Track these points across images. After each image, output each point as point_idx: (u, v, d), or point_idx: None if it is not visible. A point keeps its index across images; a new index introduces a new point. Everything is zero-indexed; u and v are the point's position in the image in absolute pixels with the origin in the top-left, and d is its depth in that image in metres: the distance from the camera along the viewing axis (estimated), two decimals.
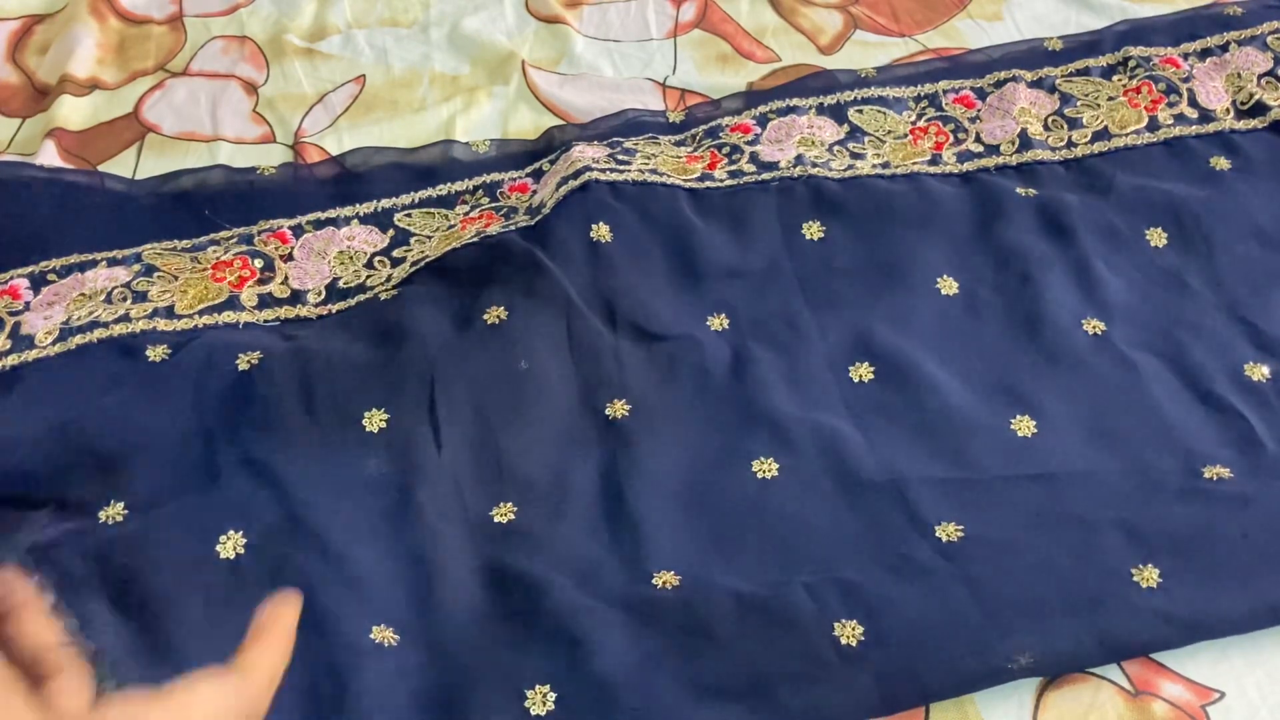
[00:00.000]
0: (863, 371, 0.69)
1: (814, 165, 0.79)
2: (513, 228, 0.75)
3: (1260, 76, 0.86)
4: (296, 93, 0.88)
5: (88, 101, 0.87)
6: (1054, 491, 0.63)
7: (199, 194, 0.80)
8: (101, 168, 0.82)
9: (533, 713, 0.56)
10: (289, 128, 0.86)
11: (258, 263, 0.75)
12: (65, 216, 0.78)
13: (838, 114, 0.84)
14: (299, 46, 0.92)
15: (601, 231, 0.73)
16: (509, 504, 0.63)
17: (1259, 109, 0.84)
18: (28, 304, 0.73)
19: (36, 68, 0.90)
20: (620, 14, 0.94)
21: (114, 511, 0.61)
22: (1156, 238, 0.76)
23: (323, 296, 0.74)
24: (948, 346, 0.70)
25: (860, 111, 0.84)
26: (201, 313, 0.72)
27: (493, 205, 0.79)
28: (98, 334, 0.70)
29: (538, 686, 0.56)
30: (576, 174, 0.76)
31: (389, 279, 0.75)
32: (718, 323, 0.71)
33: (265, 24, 0.94)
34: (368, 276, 0.75)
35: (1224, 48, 0.88)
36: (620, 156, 0.79)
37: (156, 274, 0.74)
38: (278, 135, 0.85)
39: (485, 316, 0.70)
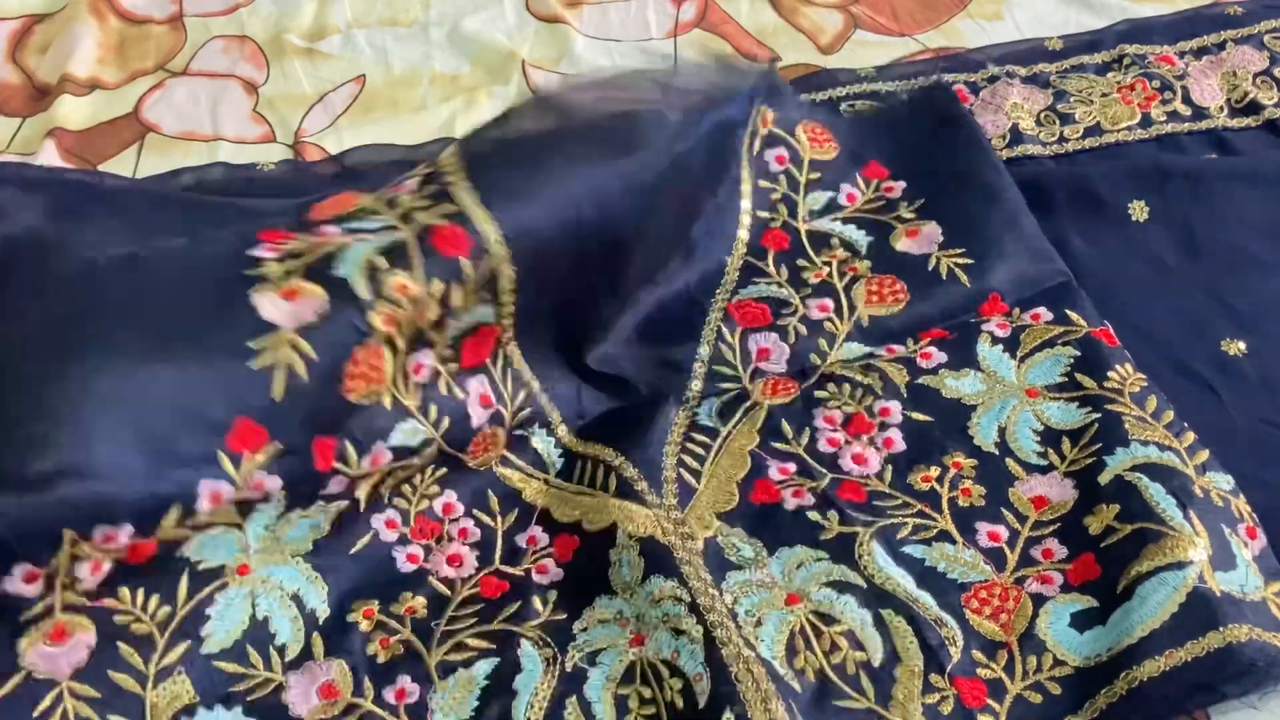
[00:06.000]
0: None
1: None
2: None
3: (1255, 75, 0.87)
4: (296, 92, 0.88)
5: (88, 101, 0.87)
6: None
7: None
8: (102, 168, 0.82)
9: None
10: (289, 127, 0.86)
11: None
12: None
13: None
14: (299, 46, 0.92)
15: None
16: None
17: (1253, 107, 0.85)
18: None
19: (36, 67, 0.90)
20: (620, 14, 0.95)
21: None
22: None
23: None
24: None
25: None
26: None
27: None
28: None
29: None
30: None
31: None
32: None
33: (265, 24, 0.93)
34: None
35: (1220, 46, 0.89)
36: None
37: None
38: (278, 135, 0.85)
39: None
